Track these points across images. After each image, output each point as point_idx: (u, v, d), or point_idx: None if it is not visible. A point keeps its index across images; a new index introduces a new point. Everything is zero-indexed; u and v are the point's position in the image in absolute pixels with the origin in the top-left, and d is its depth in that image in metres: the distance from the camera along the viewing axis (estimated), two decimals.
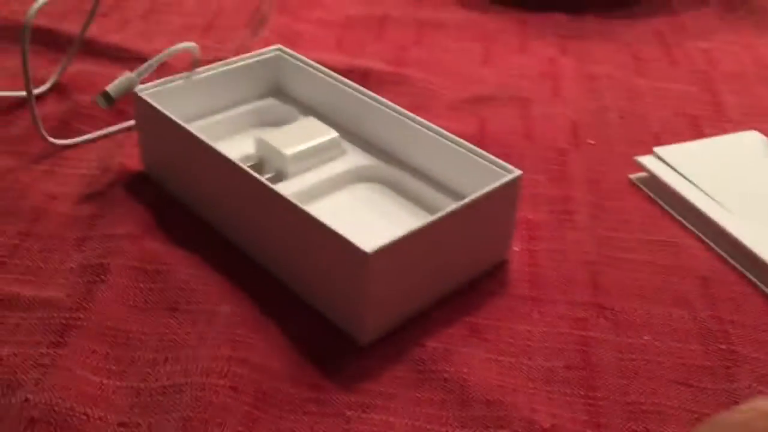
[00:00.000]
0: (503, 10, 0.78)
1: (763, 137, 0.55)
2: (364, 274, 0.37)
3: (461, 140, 0.46)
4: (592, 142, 0.57)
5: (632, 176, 0.53)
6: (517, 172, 0.42)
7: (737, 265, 0.45)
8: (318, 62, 0.58)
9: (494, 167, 0.43)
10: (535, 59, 0.69)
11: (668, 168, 0.51)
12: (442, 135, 0.46)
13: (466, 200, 0.40)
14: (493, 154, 0.54)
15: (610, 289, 0.44)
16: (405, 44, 0.70)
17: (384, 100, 0.50)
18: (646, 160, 0.52)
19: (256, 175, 0.41)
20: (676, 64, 0.69)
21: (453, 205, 0.40)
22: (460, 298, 0.43)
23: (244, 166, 0.42)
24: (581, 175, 0.53)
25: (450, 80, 0.65)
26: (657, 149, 0.52)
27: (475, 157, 0.44)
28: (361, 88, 0.51)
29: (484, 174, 0.44)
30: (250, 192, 0.42)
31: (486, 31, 0.74)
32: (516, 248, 0.46)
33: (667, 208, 0.50)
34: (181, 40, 0.66)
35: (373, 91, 0.61)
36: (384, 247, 0.37)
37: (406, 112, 0.48)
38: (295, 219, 0.39)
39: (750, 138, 0.55)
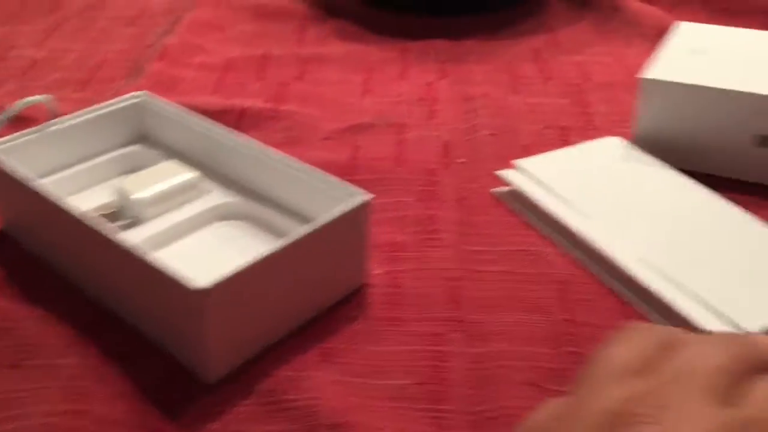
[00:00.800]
0: (386, 41, 0.79)
1: (624, 141, 0.57)
2: (201, 310, 0.37)
3: (315, 169, 0.46)
4: (463, 160, 0.58)
5: (496, 190, 0.54)
6: (367, 196, 0.43)
7: (593, 269, 0.47)
8: (192, 106, 0.59)
9: (345, 193, 0.44)
10: (414, 85, 0.70)
11: (528, 179, 0.52)
12: (296, 167, 0.47)
13: (309, 227, 0.40)
14: (364, 180, 0.55)
15: (467, 302, 0.45)
16: (286, 81, 0.71)
17: (244, 138, 0.50)
18: (507, 174, 0.53)
19: (94, 223, 0.41)
20: (550, 80, 0.71)
21: (294, 233, 0.40)
22: (315, 325, 0.43)
23: (86, 216, 0.41)
24: (449, 194, 0.54)
25: (328, 112, 0.66)
26: (518, 161, 0.53)
27: (328, 185, 0.45)
28: (223, 129, 0.51)
29: (339, 200, 0.44)
30: (94, 241, 0.41)
31: (368, 62, 0.75)
32: (378, 271, 0.47)
33: (530, 218, 0.51)
34: (55, 94, 0.66)
35: (248, 130, 0.62)
36: (220, 281, 0.37)
37: (265, 147, 0.49)
38: (133, 262, 0.39)
39: (611, 143, 0.57)
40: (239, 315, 0.38)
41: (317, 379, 0.39)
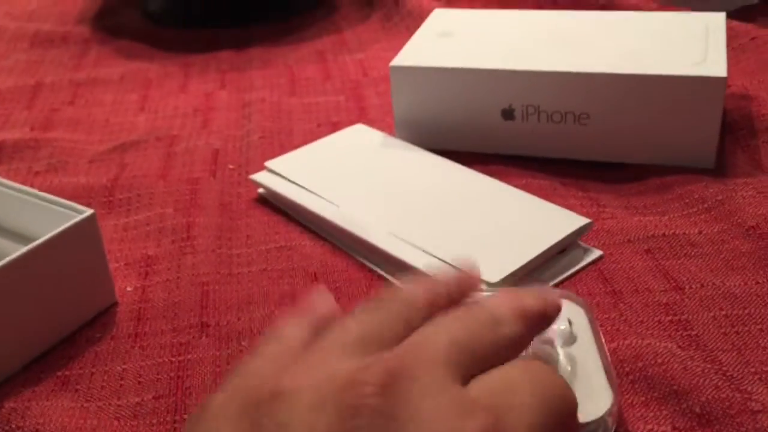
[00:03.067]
0: (168, 57, 0.78)
1: (368, 128, 0.58)
2: None
3: (36, 192, 0.44)
4: (232, 166, 0.58)
5: (260, 191, 0.54)
6: (88, 212, 0.41)
7: (348, 253, 0.47)
8: None
9: (67, 212, 0.42)
10: (193, 97, 0.69)
11: (280, 178, 0.52)
12: (17, 189, 0.45)
13: (27, 247, 0.39)
14: (125, 199, 0.54)
15: (218, 305, 0.44)
16: (57, 107, 0.68)
17: None
18: (260, 176, 0.53)
19: None
20: (329, 79, 0.72)
21: (12, 255, 0.38)
22: (54, 353, 0.41)
23: None
24: (212, 201, 0.54)
25: (98, 134, 0.64)
26: (268, 162, 0.53)
27: (49, 206, 0.43)
28: None
29: (62, 220, 0.42)
30: None
31: (147, 79, 0.74)
32: (129, 288, 0.46)
33: (289, 216, 0.51)
34: None
35: (7, 162, 0.59)
36: None
37: None
38: None
39: (357, 131, 0.58)
40: None
41: (49, 408, 0.37)
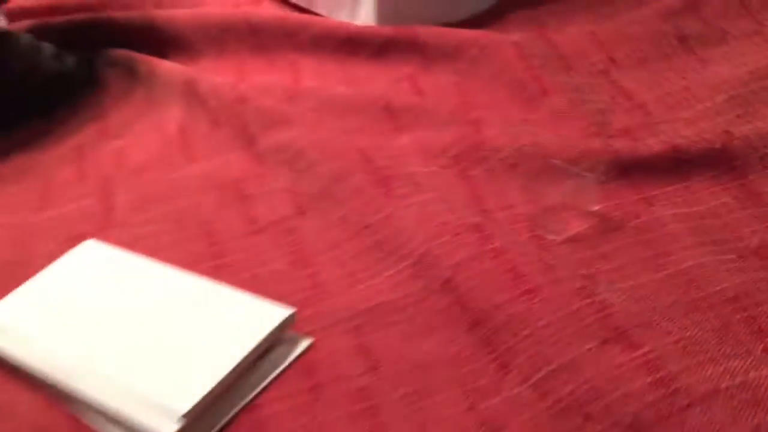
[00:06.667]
0: None
1: (97, 244, 0.57)
2: None
3: None
4: None
5: None
6: None
7: (60, 404, 0.46)
8: None
9: None
10: None
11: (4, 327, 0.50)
12: None
13: None
14: None
15: None
16: None
17: None
18: None
19: None
20: (85, 179, 0.70)
21: None
22: None
23: None
24: None
25: None
26: None
27: None
28: None
29: None
30: None
31: None
32: None
33: (7, 368, 0.49)
34: None
35: None
36: None
37: None
38: None
39: (87, 249, 0.57)
40: None
41: None
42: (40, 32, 0.87)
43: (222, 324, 0.47)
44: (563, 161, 0.50)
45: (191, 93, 0.76)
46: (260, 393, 0.44)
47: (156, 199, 0.64)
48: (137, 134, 0.75)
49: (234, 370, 0.44)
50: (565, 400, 0.39)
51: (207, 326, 0.47)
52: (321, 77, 0.77)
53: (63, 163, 0.73)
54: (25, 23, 0.93)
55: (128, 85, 0.85)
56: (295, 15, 0.83)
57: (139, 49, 0.86)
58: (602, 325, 0.40)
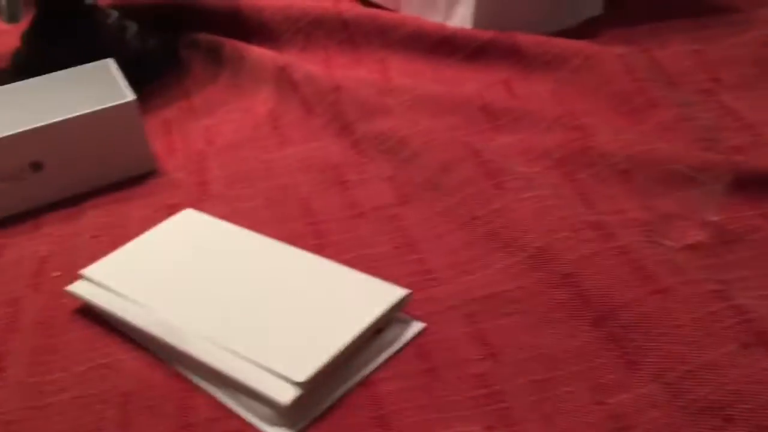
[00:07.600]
0: None
1: (196, 213, 0.57)
2: None
3: None
4: (57, 274, 0.56)
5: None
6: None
7: (166, 364, 0.45)
8: None
9: None
10: None
11: (95, 287, 0.50)
12: None
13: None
14: None
15: None
16: None
17: None
18: (76, 286, 0.50)
19: None
20: (175, 152, 0.70)
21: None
22: None
23: None
24: (30, 320, 0.51)
25: None
26: (84, 271, 0.51)
27: None
28: None
29: None
30: None
31: None
32: None
33: (110, 325, 0.49)
34: None
35: None
36: None
37: None
38: None
39: (184, 218, 0.56)
40: None
41: None
42: (124, 12, 0.88)
43: (337, 298, 0.46)
44: (689, 168, 0.50)
45: (284, 79, 0.76)
46: (374, 371, 0.43)
47: (252, 176, 0.64)
48: (225, 115, 0.75)
49: (351, 343, 0.43)
50: (702, 400, 0.38)
51: (322, 300, 0.46)
52: (411, 76, 0.77)
53: (152, 136, 0.73)
54: (111, 1, 0.94)
55: (212, 67, 0.85)
56: (388, 13, 0.83)
57: (223, 35, 0.87)
58: (742, 329, 0.39)
